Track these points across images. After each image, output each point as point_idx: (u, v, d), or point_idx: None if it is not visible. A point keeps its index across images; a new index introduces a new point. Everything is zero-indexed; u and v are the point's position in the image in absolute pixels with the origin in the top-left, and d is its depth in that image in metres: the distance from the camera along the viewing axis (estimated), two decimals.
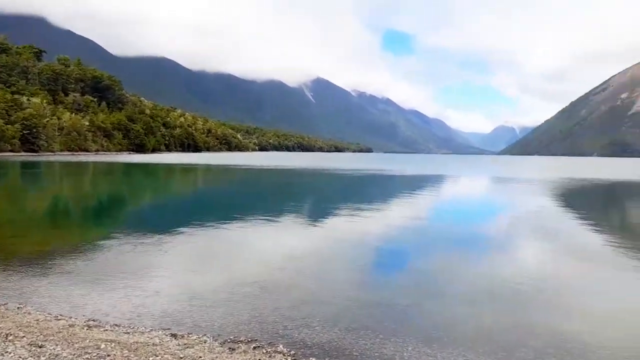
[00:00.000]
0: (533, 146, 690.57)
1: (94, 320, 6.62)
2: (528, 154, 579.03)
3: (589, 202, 31.17)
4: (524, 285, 9.28)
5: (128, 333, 6.05)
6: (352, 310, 7.52)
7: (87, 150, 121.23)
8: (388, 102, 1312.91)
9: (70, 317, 6.69)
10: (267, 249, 12.27)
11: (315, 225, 16.83)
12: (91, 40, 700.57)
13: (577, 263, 11.64)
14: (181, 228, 14.94)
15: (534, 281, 9.65)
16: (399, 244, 14.02)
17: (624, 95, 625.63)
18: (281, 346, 5.93)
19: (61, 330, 5.76)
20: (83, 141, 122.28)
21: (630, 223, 21.33)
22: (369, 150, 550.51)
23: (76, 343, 5.21)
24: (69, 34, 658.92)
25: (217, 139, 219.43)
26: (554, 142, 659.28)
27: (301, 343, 6.12)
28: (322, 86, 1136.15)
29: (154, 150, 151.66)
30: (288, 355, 5.63)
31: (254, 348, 5.81)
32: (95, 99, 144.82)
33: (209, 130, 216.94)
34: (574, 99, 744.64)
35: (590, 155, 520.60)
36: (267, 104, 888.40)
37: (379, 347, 6.04)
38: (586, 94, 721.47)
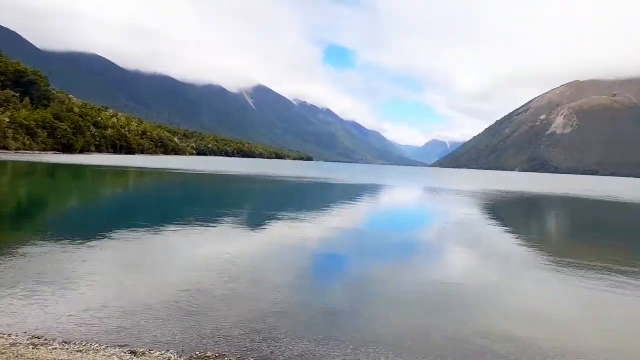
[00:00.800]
0: (463, 160, 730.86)
1: (38, 338, 5.96)
2: (458, 167, 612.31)
3: (512, 211, 33.30)
4: (480, 291, 9.63)
5: (81, 352, 5.49)
6: (317, 321, 7.38)
7: (6, 149, 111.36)
8: (328, 112, 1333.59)
9: (10, 335, 5.96)
10: (217, 257, 11.77)
11: (265, 233, 16.49)
12: (14, 32, 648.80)
13: (504, 267, 12.28)
14: (119, 235, 14.02)
15: (485, 287, 10.06)
16: (353, 251, 14.05)
17: (542, 117, 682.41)
18: None
19: (3, 350, 5.11)
20: (2, 138, 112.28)
21: (551, 231, 22.99)
22: (309, 159, 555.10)
23: None
24: None
25: (153, 141, 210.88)
26: (481, 157, 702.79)
27: (272, 357, 5.88)
28: (263, 93, 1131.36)
29: (83, 150, 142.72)
30: None
31: None
32: (17, 94, 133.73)
33: (144, 133, 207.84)
34: (499, 118, 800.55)
35: (513, 169, 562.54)
36: (206, 109, 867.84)
37: (352, 359, 5.94)
38: (510, 114, 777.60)
